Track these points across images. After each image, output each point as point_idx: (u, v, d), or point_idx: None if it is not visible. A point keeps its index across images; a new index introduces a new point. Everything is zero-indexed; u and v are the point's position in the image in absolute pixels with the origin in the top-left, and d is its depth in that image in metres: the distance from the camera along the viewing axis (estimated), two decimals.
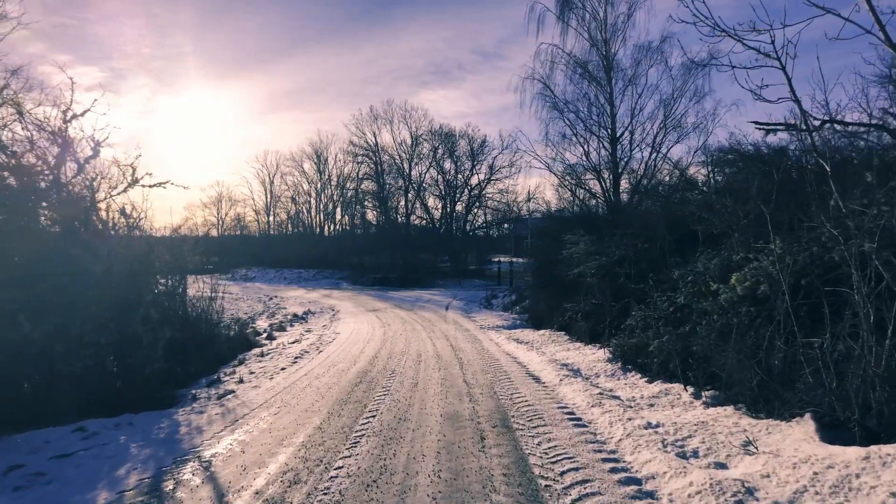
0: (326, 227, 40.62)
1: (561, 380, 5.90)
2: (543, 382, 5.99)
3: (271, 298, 22.83)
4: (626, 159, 18.10)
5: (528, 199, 30.66)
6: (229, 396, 5.78)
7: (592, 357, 7.25)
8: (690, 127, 16.49)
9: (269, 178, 43.83)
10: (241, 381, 6.68)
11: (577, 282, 9.94)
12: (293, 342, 10.07)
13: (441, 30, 73.41)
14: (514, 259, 35.50)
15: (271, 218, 45.31)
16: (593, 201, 18.07)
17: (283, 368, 7.27)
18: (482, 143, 30.69)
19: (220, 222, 49.44)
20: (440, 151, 31.61)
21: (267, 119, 76.32)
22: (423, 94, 73.20)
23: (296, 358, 8.05)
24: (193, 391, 6.29)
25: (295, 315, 14.93)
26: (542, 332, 10.31)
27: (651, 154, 17.51)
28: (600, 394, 5.20)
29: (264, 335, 11.09)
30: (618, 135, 17.96)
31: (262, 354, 8.72)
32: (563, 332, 9.93)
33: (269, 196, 44.62)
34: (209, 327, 8.67)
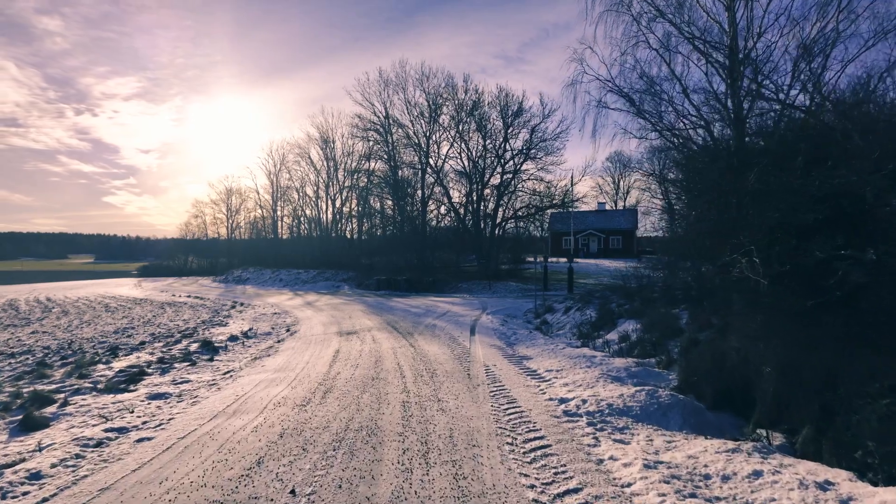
0: (336, 226, 34.83)
1: None
2: None
3: (234, 306, 17.11)
4: (752, 95, 11.27)
5: (583, 171, 23.92)
6: None
7: None
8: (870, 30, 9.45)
9: (276, 169, 38.68)
10: None
11: None
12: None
13: (464, 35, 68.10)
14: (553, 259, 28.69)
15: (277, 213, 40.15)
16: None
17: None
18: (519, 108, 23.87)
19: (230, 220, 44.92)
20: (465, 120, 24.94)
21: (294, 126, 72.68)
22: None
23: None
24: None
25: (207, 344, 8.40)
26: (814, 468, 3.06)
27: (796, 76, 10.53)
28: None
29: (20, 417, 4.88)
30: (744, 51, 11.19)
31: None
32: None
33: (275, 189, 39.46)
34: None
